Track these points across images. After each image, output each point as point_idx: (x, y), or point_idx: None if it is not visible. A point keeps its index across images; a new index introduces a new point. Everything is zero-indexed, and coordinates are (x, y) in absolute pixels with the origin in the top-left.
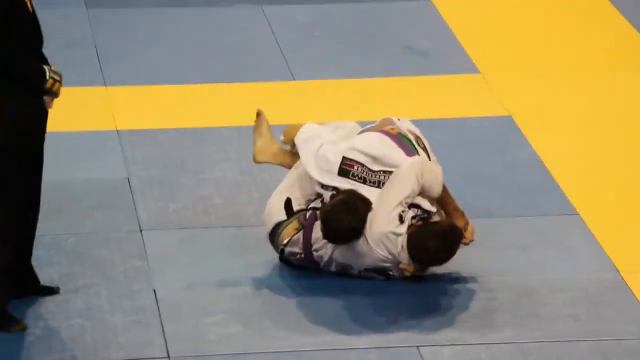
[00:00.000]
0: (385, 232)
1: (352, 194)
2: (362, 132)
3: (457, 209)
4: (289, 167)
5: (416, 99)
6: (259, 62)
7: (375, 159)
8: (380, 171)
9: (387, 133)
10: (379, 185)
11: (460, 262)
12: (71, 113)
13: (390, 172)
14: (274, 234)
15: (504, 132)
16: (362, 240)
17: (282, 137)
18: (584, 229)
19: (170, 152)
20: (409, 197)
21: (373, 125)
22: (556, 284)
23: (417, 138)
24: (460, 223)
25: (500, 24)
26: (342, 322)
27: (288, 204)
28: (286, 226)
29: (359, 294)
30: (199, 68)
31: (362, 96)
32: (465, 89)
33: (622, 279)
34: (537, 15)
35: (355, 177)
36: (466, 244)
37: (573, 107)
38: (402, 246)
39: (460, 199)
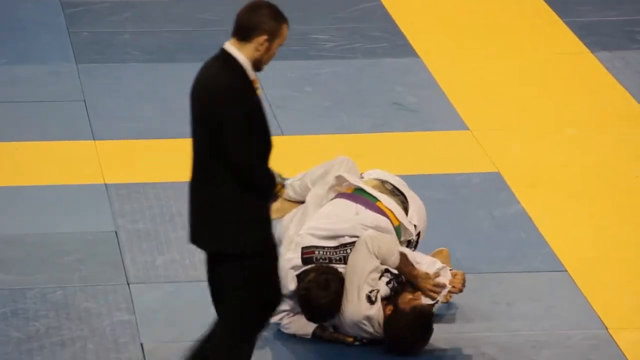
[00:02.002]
0: (356, 320)
1: (318, 269)
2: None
3: (417, 274)
4: None
5: (405, 154)
6: None
7: (330, 237)
8: (340, 246)
9: (342, 195)
10: (344, 260)
11: (446, 318)
12: (60, 166)
13: (351, 244)
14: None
15: (492, 188)
16: (337, 317)
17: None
18: (571, 285)
19: (158, 205)
20: (372, 273)
21: (329, 186)
22: (543, 340)
23: (382, 183)
24: (426, 284)
25: (489, 81)
26: None
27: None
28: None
29: (345, 352)
30: (188, 122)
31: (351, 151)
32: (454, 145)
33: (610, 335)
34: (526, 72)
35: (319, 260)
36: (455, 293)
37: (561, 164)
38: (379, 324)
39: (442, 247)
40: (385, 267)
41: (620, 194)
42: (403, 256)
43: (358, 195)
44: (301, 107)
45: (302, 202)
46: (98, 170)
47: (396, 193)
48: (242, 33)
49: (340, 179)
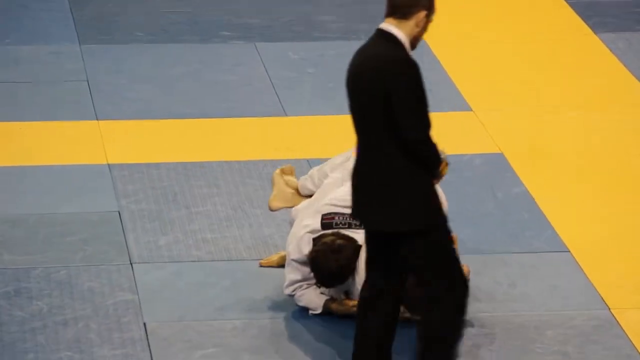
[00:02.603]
0: None
1: (334, 234)
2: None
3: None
4: None
5: None
6: (251, 98)
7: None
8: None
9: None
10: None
11: None
12: (63, 147)
13: None
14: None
15: (495, 169)
16: (351, 282)
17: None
18: (574, 265)
19: (161, 185)
20: None
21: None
22: (546, 320)
23: None
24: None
25: (493, 62)
26: (333, 357)
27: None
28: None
29: (350, 329)
30: (191, 103)
31: (353, 132)
32: (458, 127)
33: (612, 315)
34: (530, 54)
35: (338, 225)
36: None
37: (564, 144)
38: None
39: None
40: None
41: (623, 174)
42: None
43: None
44: (305, 89)
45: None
46: (101, 150)
47: None
48: (401, 11)
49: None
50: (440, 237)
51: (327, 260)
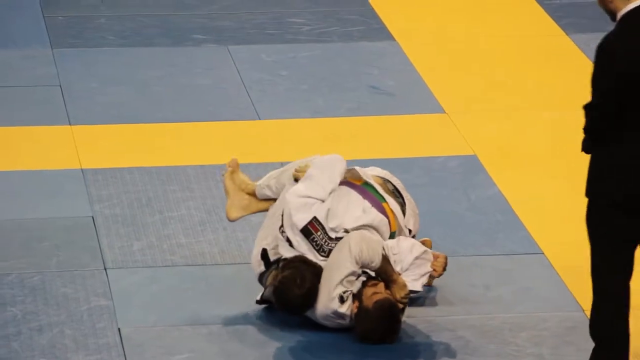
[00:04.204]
0: (326, 313)
1: (300, 262)
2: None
3: (396, 280)
4: (266, 210)
5: (382, 138)
6: (224, 101)
7: (334, 228)
8: (336, 239)
9: (351, 185)
10: (327, 255)
11: (423, 301)
12: (36, 152)
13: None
14: (262, 282)
15: (468, 171)
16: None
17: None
18: (548, 267)
19: (135, 190)
20: (348, 276)
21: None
22: (520, 322)
23: (385, 182)
24: (400, 293)
25: (466, 64)
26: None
27: (264, 254)
28: (267, 277)
29: (325, 333)
30: (164, 107)
31: (327, 135)
32: (431, 129)
33: (586, 317)
34: (502, 55)
35: (313, 241)
36: (435, 277)
37: (538, 146)
38: (351, 318)
39: (425, 237)
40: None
41: None
42: (384, 260)
43: (367, 190)
44: (277, 91)
45: (275, 199)
46: (74, 155)
47: (397, 195)
48: None
49: (351, 172)
50: None
51: (290, 290)
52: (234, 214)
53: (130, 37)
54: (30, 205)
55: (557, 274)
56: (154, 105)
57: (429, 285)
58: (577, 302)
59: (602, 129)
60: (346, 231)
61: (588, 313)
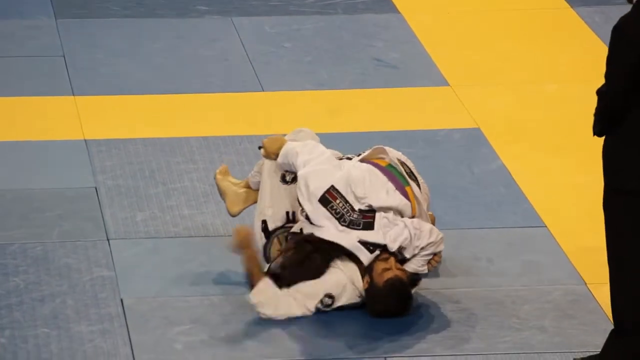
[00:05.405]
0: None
1: (305, 242)
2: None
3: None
4: None
5: (385, 110)
6: (227, 73)
7: (358, 198)
8: (359, 211)
9: (377, 165)
10: (350, 225)
11: (427, 274)
12: (39, 122)
13: (370, 212)
14: (265, 255)
15: (472, 144)
16: None
17: (262, 152)
18: (551, 240)
19: (138, 161)
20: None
21: (365, 154)
22: (523, 295)
23: (402, 164)
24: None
25: (470, 36)
26: (309, 332)
27: (265, 227)
28: (269, 249)
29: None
30: (168, 78)
31: (331, 108)
32: (434, 101)
33: (589, 290)
34: (506, 28)
35: (333, 210)
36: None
37: (541, 119)
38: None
39: (429, 212)
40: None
41: (599, 150)
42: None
43: (391, 172)
44: (281, 63)
45: None
46: (78, 125)
47: (413, 177)
48: None
49: (377, 150)
50: None
51: (294, 274)
52: (235, 209)
53: (134, 8)
54: (33, 176)
55: (560, 247)
56: (157, 77)
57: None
58: (580, 275)
59: (617, 112)
60: (370, 207)
61: (591, 286)
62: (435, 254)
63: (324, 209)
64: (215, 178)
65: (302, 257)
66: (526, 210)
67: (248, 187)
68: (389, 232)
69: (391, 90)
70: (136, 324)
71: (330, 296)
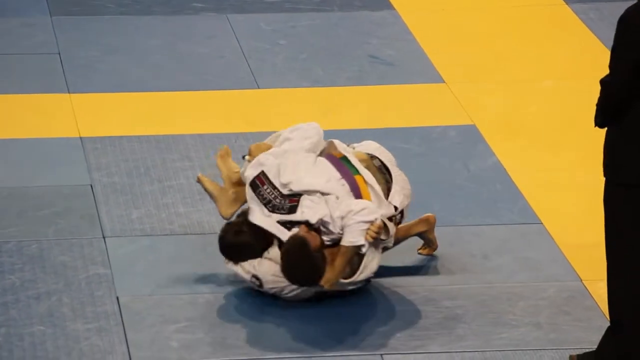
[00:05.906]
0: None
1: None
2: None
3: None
4: None
5: (381, 107)
6: (223, 70)
7: (283, 184)
8: (285, 195)
9: (330, 156)
10: (275, 210)
11: (423, 270)
12: (35, 120)
13: (295, 196)
14: None
15: (468, 141)
16: None
17: (247, 157)
18: (546, 237)
19: (133, 159)
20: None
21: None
22: (518, 292)
23: (371, 158)
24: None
25: (465, 33)
26: (305, 330)
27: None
28: None
29: (323, 302)
30: (163, 76)
31: (326, 105)
32: (430, 98)
33: (585, 287)
34: (502, 25)
35: (260, 195)
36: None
37: (536, 116)
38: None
39: (424, 207)
40: None
41: (595, 145)
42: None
43: (342, 163)
44: (277, 60)
45: None
46: (73, 123)
47: (382, 171)
48: None
49: (331, 145)
50: None
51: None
52: (226, 211)
53: (129, 6)
54: (29, 173)
55: (556, 244)
56: (153, 74)
57: (429, 255)
58: (575, 272)
59: (620, 103)
60: (292, 191)
61: (586, 283)
62: (371, 224)
63: (252, 193)
64: (216, 160)
65: (239, 240)
66: (522, 207)
67: (239, 183)
68: (309, 210)
69: (387, 87)
70: (132, 322)
71: (256, 277)
